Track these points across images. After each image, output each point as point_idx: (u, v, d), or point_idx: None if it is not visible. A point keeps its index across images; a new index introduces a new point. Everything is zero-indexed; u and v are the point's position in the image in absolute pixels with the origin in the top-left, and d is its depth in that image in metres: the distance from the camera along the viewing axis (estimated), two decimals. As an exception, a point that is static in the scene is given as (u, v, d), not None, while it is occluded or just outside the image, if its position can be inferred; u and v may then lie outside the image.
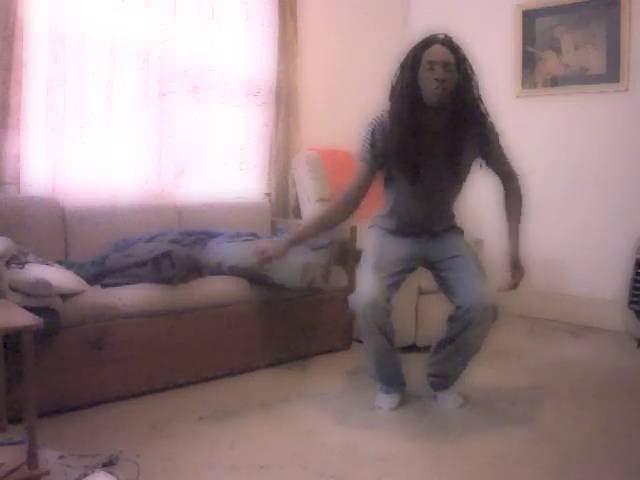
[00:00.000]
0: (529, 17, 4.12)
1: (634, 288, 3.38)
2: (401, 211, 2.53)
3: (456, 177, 2.47)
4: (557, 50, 4.03)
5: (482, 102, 2.40)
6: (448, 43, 2.30)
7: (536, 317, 4.01)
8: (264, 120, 3.87)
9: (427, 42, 2.31)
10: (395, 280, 2.45)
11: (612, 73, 3.78)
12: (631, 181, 3.75)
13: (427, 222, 2.53)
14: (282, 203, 3.95)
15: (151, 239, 2.97)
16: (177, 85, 3.47)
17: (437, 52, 2.28)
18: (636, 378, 2.99)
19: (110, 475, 1.87)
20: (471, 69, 2.35)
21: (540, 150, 4.13)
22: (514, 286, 2.45)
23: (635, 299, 3.37)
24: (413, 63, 2.31)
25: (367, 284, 2.38)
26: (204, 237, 3.16)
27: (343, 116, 4.20)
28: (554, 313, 4.01)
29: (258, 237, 3.26)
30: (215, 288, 2.84)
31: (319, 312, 3.19)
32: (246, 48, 3.75)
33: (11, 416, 2.04)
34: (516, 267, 2.45)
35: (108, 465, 1.95)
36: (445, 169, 2.41)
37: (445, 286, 2.52)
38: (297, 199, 3.91)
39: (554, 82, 4.08)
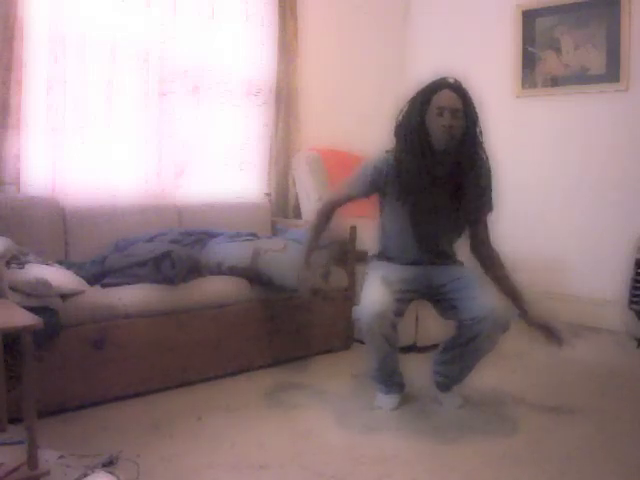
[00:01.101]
0: (529, 17, 4.12)
1: (634, 288, 3.38)
2: (399, 250, 2.53)
3: (456, 220, 2.48)
4: (557, 50, 4.03)
5: (483, 149, 2.41)
6: (457, 89, 2.31)
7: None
8: (264, 120, 3.87)
9: (437, 86, 2.32)
10: (403, 297, 2.42)
11: (612, 73, 3.78)
12: (631, 181, 3.75)
13: (426, 259, 2.53)
14: (282, 203, 3.95)
15: (151, 239, 2.97)
16: (177, 85, 3.47)
17: (447, 98, 2.29)
18: (636, 378, 2.99)
19: (110, 475, 1.87)
20: (477, 115, 2.36)
21: (540, 150, 4.13)
22: (559, 341, 2.47)
23: (635, 299, 3.38)
24: (422, 106, 2.32)
25: (374, 295, 2.36)
26: (204, 237, 3.16)
27: (343, 116, 4.21)
28: (554, 313, 4.00)
29: (258, 237, 3.27)
30: (215, 288, 2.84)
31: (319, 312, 3.19)
32: (246, 48, 3.75)
33: (11, 416, 2.04)
34: (541, 326, 2.47)
35: (108, 465, 1.95)
36: (446, 212, 2.43)
37: (451, 307, 2.47)
38: (297, 199, 3.91)
39: (554, 82, 4.08)
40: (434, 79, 2.35)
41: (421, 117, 2.32)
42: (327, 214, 2.61)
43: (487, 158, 2.44)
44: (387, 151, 2.46)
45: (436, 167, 2.37)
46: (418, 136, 2.33)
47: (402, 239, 2.51)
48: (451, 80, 2.34)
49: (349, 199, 2.58)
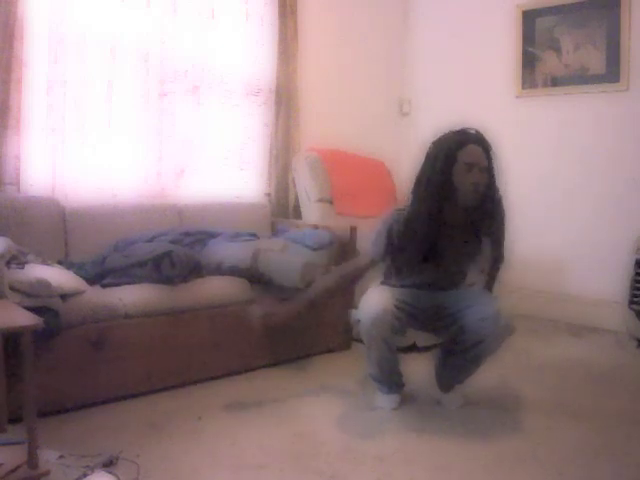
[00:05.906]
0: (529, 17, 4.12)
1: (634, 288, 3.38)
2: (411, 287, 2.52)
3: (471, 263, 2.48)
4: (557, 50, 4.03)
5: (502, 198, 2.40)
6: (482, 143, 2.29)
7: (536, 317, 4.01)
8: (264, 120, 3.87)
9: (461, 142, 2.28)
10: (403, 307, 2.39)
11: (612, 73, 3.78)
12: (631, 181, 3.75)
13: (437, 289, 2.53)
14: (282, 203, 3.95)
15: (151, 239, 2.98)
16: (177, 85, 3.47)
17: (475, 154, 2.27)
18: (636, 378, 2.99)
19: (110, 475, 1.87)
20: (498, 168, 2.35)
21: (540, 150, 4.13)
22: None
23: (635, 299, 3.38)
24: (447, 162, 2.27)
25: (375, 298, 2.36)
26: (204, 237, 3.16)
27: (343, 116, 4.21)
28: (554, 313, 4.01)
29: (258, 237, 3.27)
30: (215, 288, 2.84)
31: (319, 312, 3.19)
32: (246, 48, 3.75)
33: (11, 416, 2.04)
34: None
35: (108, 465, 1.95)
36: (461, 257, 2.44)
37: (455, 320, 2.45)
38: (297, 199, 3.91)
39: (554, 82, 4.08)
40: (455, 133, 2.32)
41: (447, 174, 2.27)
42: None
43: (503, 206, 2.43)
44: (399, 210, 2.42)
45: (454, 216, 2.36)
46: (443, 193, 2.29)
47: (414, 280, 2.50)
48: (472, 132, 2.31)
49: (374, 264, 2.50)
